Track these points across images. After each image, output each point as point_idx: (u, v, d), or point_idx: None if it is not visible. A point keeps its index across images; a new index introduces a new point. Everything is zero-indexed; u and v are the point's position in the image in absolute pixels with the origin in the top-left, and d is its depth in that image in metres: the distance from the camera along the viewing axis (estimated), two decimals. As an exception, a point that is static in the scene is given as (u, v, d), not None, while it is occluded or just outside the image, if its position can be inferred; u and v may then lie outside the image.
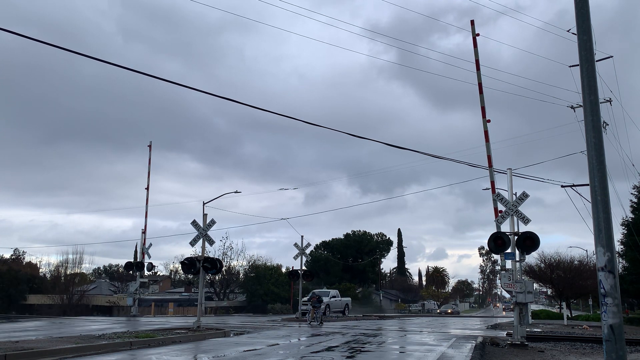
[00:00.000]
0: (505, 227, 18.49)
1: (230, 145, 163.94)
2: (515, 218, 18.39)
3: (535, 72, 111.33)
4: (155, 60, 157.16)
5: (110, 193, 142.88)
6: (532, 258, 45.90)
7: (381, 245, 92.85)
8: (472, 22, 21.26)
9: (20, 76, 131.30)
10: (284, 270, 61.86)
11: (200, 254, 23.63)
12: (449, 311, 74.54)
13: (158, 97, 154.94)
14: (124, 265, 41.80)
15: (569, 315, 44.95)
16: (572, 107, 30.08)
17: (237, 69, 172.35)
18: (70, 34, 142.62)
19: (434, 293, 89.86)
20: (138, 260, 39.15)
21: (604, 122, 27.26)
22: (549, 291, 55.44)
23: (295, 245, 34.48)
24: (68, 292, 52.93)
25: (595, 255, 7.24)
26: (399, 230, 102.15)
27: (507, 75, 58.55)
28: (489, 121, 20.55)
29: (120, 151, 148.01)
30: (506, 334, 21.90)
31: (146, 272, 37.82)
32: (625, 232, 39.89)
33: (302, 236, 34.38)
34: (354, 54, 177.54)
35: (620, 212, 56.51)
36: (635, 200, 39.95)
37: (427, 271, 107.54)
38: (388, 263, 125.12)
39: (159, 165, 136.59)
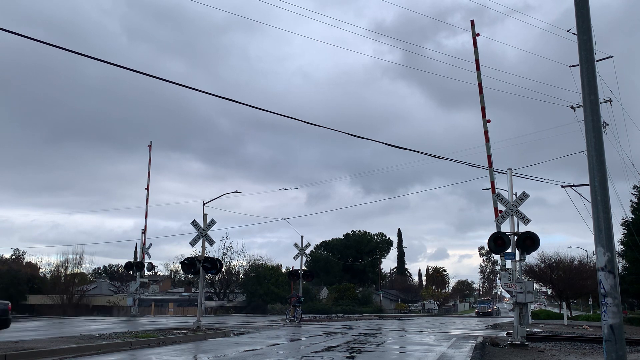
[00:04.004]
0: (506, 227, 18.51)
1: (233, 145, 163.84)
2: (515, 218, 18.40)
3: (540, 72, 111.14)
4: (159, 60, 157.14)
5: (112, 193, 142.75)
6: (532, 258, 45.95)
7: (381, 245, 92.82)
8: (472, 22, 21.28)
9: (23, 76, 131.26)
10: (284, 270, 61.85)
11: (200, 254, 23.65)
12: None
13: (161, 97, 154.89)
14: (124, 265, 41.79)
15: (569, 315, 44.96)
16: (572, 107, 30.07)
17: (241, 69, 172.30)
18: (74, 33, 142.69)
19: (434, 293, 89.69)
20: (138, 260, 39.16)
21: (604, 122, 27.25)
22: (549, 291, 55.43)
23: (295, 245, 34.51)
24: (68, 292, 52.92)
25: (595, 255, 7.24)
26: (399, 230, 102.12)
27: (511, 76, 58.47)
28: (489, 121, 20.57)
29: (124, 151, 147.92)
30: (506, 334, 21.91)
31: (146, 272, 37.84)
32: (625, 232, 39.88)
33: (302, 236, 34.44)
34: (358, 54, 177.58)
35: (620, 212, 56.56)
36: (635, 200, 39.94)
37: (427, 271, 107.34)
38: (388, 263, 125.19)
39: (162, 166, 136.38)
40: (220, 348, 14.79)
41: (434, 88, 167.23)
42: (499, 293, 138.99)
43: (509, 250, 17.79)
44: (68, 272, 55.78)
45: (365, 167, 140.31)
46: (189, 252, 61.48)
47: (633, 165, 50.02)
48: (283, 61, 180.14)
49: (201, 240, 22.72)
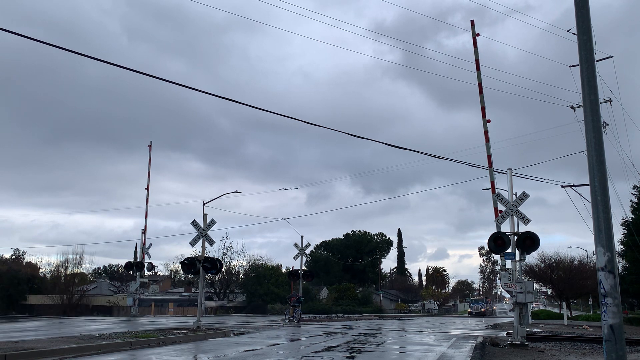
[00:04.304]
0: (506, 227, 18.51)
1: (233, 145, 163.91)
2: (515, 218, 18.39)
3: (540, 72, 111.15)
4: (159, 60, 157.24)
5: (112, 193, 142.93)
6: (532, 258, 45.93)
7: (381, 245, 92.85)
8: (472, 22, 21.29)
9: (23, 76, 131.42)
10: (284, 270, 61.86)
11: (200, 254, 23.65)
12: None
13: (162, 97, 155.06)
14: (124, 265, 41.79)
15: (569, 315, 44.95)
16: (572, 107, 30.07)
17: (241, 69, 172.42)
18: (74, 33, 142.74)
19: (434, 293, 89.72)
20: (138, 260, 39.17)
21: (604, 122, 27.26)
22: (549, 291, 55.45)
23: (295, 245, 34.53)
24: (68, 292, 52.89)
25: (595, 255, 7.24)
26: (399, 230, 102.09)
27: (511, 76, 58.49)
28: (489, 121, 20.58)
29: (124, 151, 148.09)
30: (506, 334, 21.91)
31: (146, 272, 37.83)
32: (625, 232, 39.88)
33: (302, 236, 34.48)
34: (358, 54, 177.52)
35: (620, 212, 56.57)
36: (635, 200, 39.94)
37: (427, 271, 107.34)
38: (388, 263, 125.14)
39: (162, 166, 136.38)
40: (220, 348, 14.79)
41: (434, 88, 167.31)
42: (499, 293, 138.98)
43: (509, 250, 17.79)
44: (68, 272, 55.74)
45: (365, 167, 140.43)
46: (189, 252, 61.49)
47: (633, 165, 50.04)
48: (283, 61, 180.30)
49: (201, 240, 22.72)
